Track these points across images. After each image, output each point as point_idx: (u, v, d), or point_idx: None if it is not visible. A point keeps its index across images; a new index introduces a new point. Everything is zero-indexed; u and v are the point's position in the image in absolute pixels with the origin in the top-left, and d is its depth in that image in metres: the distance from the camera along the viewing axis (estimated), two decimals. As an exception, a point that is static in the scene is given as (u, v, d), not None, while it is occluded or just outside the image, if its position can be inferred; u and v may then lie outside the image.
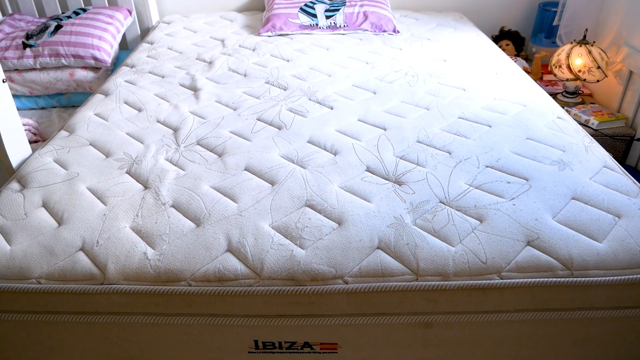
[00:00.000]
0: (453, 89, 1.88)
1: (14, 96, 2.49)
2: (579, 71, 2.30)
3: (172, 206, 1.26)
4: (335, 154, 1.46)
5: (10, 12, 2.73)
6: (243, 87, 1.91)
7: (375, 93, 1.86)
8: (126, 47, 2.80)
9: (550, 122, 1.64)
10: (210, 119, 1.67)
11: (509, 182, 1.31)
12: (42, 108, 2.54)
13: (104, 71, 2.46)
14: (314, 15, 2.49)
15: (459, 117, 1.66)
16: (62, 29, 2.44)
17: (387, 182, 1.33)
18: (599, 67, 2.27)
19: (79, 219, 1.21)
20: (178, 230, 1.17)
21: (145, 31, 2.82)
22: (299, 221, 1.18)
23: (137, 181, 1.36)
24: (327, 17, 2.49)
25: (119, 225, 1.19)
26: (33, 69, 2.44)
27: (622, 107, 2.33)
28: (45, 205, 1.28)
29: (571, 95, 2.43)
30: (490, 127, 1.60)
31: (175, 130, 1.62)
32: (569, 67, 2.32)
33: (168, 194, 1.30)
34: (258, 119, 1.67)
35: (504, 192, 1.27)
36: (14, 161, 1.51)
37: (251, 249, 1.11)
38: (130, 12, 2.68)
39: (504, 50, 2.76)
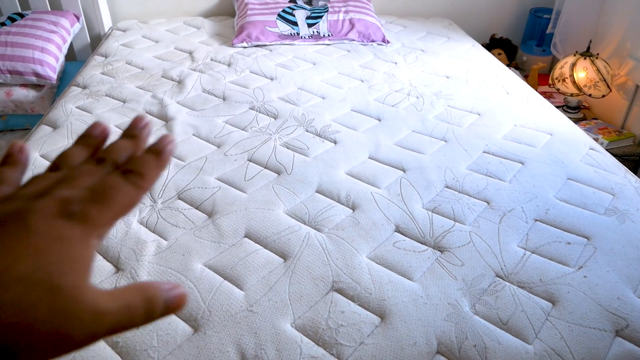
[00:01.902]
0: (466, 113, 1.65)
1: (-64, 120, 2.07)
2: (584, 85, 2.13)
3: (158, 298, 0.96)
4: (353, 209, 1.19)
5: None
6: (224, 114, 1.61)
7: (379, 120, 1.61)
8: (74, 57, 2.41)
9: (585, 156, 1.44)
10: (191, 161, 1.36)
11: (569, 243, 1.09)
12: (-28, 133, 2.13)
13: (49, 89, 2.08)
14: (294, 23, 2.20)
15: (484, 152, 1.44)
16: (-6, 39, 2.03)
17: (426, 247, 1.08)
18: (604, 80, 2.11)
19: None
20: (169, 339, 0.88)
21: (96, 39, 2.44)
22: (330, 317, 0.91)
23: (104, 259, 1.05)
24: (309, 25, 2.20)
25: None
26: (-41, 88, 2.03)
27: (626, 124, 2.18)
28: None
29: (573, 110, 2.27)
30: (523, 164, 1.38)
31: (148, 178, 1.30)
32: (573, 81, 2.15)
33: (149, 279, 0.99)
34: (250, 160, 1.37)
35: (568, 258, 1.05)
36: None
37: (275, 367, 0.83)
38: (77, 18, 2.29)
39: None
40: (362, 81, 1.87)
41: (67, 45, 2.18)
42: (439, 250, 1.07)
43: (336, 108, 1.66)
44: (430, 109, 1.67)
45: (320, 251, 1.06)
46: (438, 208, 1.20)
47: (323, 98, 1.73)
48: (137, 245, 1.08)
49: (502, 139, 1.50)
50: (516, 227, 1.14)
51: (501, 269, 1.02)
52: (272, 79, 1.85)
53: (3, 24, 2.10)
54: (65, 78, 2.17)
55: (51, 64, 2.04)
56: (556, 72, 2.20)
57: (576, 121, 2.21)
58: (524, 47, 2.72)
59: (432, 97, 1.75)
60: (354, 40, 2.20)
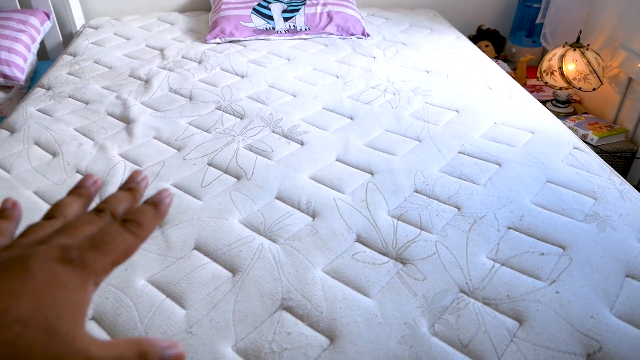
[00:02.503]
0: (444, 110, 1.57)
1: None
2: (574, 78, 2.04)
3: (93, 318, 0.89)
4: (313, 216, 1.12)
5: None
6: (188, 115, 1.53)
7: (352, 119, 1.53)
8: (46, 57, 2.34)
9: (567, 156, 1.35)
10: (147, 166, 1.29)
11: (543, 254, 1.02)
12: (-60, 136, 2.06)
13: (17, 90, 2.01)
14: (270, 17, 2.11)
15: (459, 152, 1.36)
16: (-42, 39, 1.96)
17: (387, 259, 1.01)
18: (594, 73, 2.02)
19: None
20: (99, 366, 0.81)
21: (68, 37, 2.36)
22: (275, 339, 0.84)
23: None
24: (286, 19, 2.12)
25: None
26: None
27: (619, 118, 2.09)
28: None
29: (562, 105, 2.18)
30: (500, 165, 1.30)
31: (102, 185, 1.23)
32: (562, 74, 2.06)
33: (86, 298, 0.92)
34: (209, 164, 1.30)
35: (540, 271, 0.98)
36: None
37: (208, 398, 0.76)
38: (48, 16, 2.21)
39: (483, 52, 2.48)
40: (338, 77, 1.79)
41: (36, 44, 2.10)
42: (401, 263, 1.00)
43: (307, 107, 1.58)
44: (406, 106, 1.59)
45: (272, 264, 0.98)
46: (404, 215, 1.12)
47: (294, 96, 1.65)
48: (78, 260, 1.00)
49: (480, 138, 1.42)
50: (487, 235, 1.06)
51: (466, 283, 0.95)
52: (242, 77, 1.78)
53: (-32, 23, 2.03)
54: (37, 78, 2.09)
55: (19, 64, 1.97)
56: (544, 65, 2.11)
57: (566, 116, 2.12)
58: (512, 39, 2.63)
59: (409, 93, 1.67)
60: (332, 34, 2.12)
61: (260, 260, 0.99)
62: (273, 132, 1.44)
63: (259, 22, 2.10)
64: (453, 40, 2.17)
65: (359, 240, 1.06)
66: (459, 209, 1.14)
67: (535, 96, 2.26)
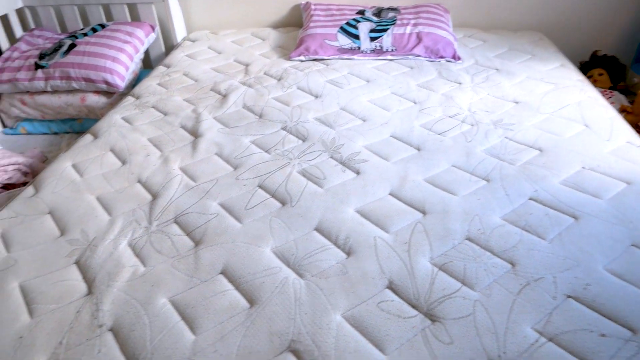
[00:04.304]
0: (524, 148, 1.41)
1: (27, 120, 2.28)
2: (700, 119, 1.74)
3: (111, 329, 0.91)
4: (348, 254, 1.06)
5: (33, 26, 2.51)
6: (253, 133, 1.54)
7: (419, 150, 1.43)
8: (150, 66, 2.52)
9: (665, 214, 1.14)
10: (201, 183, 1.31)
11: (604, 335, 0.85)
12: (55, 133, 2.31)
13: (118, 96, 2.18)
14: (356, 37, 2.07)
15: (529, 198, 1.21)
16: (76, 48, 2.18)
17: (416, 313, 0.91)
18: None
19: (-20, 347, 0.89)
20: (99, 383, 0.82)
21: (171, 48, 2.53)
22: (271, 386, 0.79)
23: (83, 279, 1.04)
24: (372, 39, 2.07)
25: (32, 358, 0.86)
26: (44, 92, 2.20)
27: None
28: (-47, 315, 0.97)
29: (685, 147, 1.86)
30: (576, 219, 1.13)
31: (155, 196, 1.27)
32: (685, 113, 1.77)
33: (111, 308, 0.95)
34: (259, 186, 1.29)
35: (596, 355, 0.82)
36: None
37: None
38: (153, 28, 2.38)
39: (595, 81, 2.22)
40: (415, 103, 1.70)
41: (140, 54, 2.27)
42: (430, 319, 0.90)
43: (374, 133, 1.51)
44: (482, 140, 1.45)
45: (290, 302, 0.94)
46: (447, 265, 1.01)
47: (364, 120, 1.59)
48: (115, 269, 1.04)
49: (559, 184, 1.25)
50: (538, 302, 0.92)
51: (499, 356, 0.82)
52: (316, 97, 1.75)
53: (85, 35, 2.24)
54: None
55: (121, 72, 2.13)
56: (664, 102, 1.82)
57: (688, 161, 1.82)
58: (636, 67, 2.32)
59: (489, 126, 1.53)
60: (419, 56, 2.02)
61: (281, 294, 0.95)
62: (331, 157, 1.40)
63: (344, 41, 2.07)
64: (556, 67, 1.96)
65: (390, 287, 0.97)
66: (513, 265, 1.01)
67: (652, 136, 1.97)
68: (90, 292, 1.00)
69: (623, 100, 2.17)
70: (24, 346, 0.90)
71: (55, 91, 2.20)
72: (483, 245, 1.06)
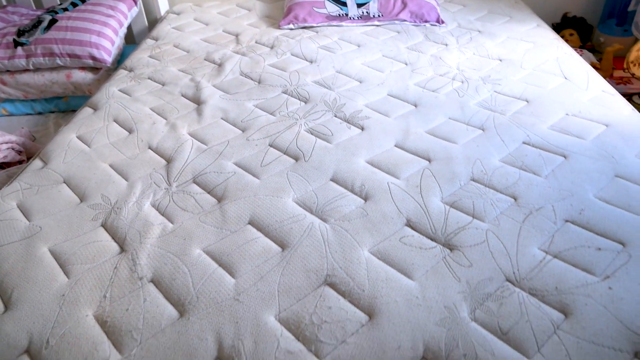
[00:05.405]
0: (513, 100, 1.52)
1: (7, 100, 2.25)
2: (665, 69, 1.89)
3: (152, 281, 0.97)
4: (365, 199, 1.14)
5: (5, 3, 2.46)
6: (256, 98, 1.59)
7: (415, 106, 1.52)
8: (133, 41, 2.51)
9: (644, 150, 1.27)
10: (213, 145, 1.36)
11: (600, 249, 0.97)
12: (39, 113, 2.29)
13: (105, 72, 2.18)
14: (343, 4, 2.13)
15: (523, 142, 1.31)
16: (57, 24, 2.16)
17: (435, 244, 1.00)
18: (690, 65, 1.85)
19: (30, 302, 0.93)
20: (155, 322, 0.88)
21: (153, 22, 2.52)
22: (316, 312, 0.87)
23: (113, 239, 1.08)
24: (359, 6, 2.12)
25: (79, 313, 0.91)
26: (26, 70, 2.17)
27: None
28: (-7, 276, 1.01)
29: (652, 97, 2.02)
30: (565, 157, 1.24)
31: (169, 161, 1.32)
32: (652, 64, 1.90)
33: (148, 262, 1.00)
34: (270, 145, 1.35)
35: (594, 265, 0.93)
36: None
37: (249, 359, 0.81)
38: (135, 2, 2.37)
39: (567, 41, 2.35)
40: (406, 64, 1.78)
41: (123, 29, 2.26)
42: (449, 248, 0.99)
43: (372, 93, 1.59)
44: (473, 95, 1.55)
45: (320, 242, 1.01)
46: (457, 202, 1.11)
47: (360, 82, 1.66)
48: (143, 227, 1.09)
49: (548, 129, 1.36)
50: (541, 227, 1.02)
51: (513, 273, 0.92)
52: (311, 62, 1.81)
53: (65, 9, 2.22)
54: (123, 61, 2.25)
55: (107, 47, 2.13)
56: (632, 55, 1.96)
57: (654, 110, 1.97)
58: (602, 27, 2.46)
59: (478, 82, 1.63)
60: (405, 20, 2.10)
61: (309, 237, 1.03)
62: (335, 116, 1.47)
63: (332, 8, 2.12)
64: (533, 28, 2.07)
65: (409, 224, 1.06)
66: (515, 199, 1.11)
67: (621, 89, 2.12)
68: (123, 250, 1.05)
69: (592, 57, 2.31)
70: (69, 302, 0.94)
71: (37, 69, 2.17)
72: (487, 184, 1.16)
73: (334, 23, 2.11)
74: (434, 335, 0.82)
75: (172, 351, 0.83)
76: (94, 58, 2.10)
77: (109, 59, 2.12)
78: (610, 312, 0.84)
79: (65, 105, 2.24)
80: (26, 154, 1.91)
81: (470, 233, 1.02)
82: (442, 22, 2.09)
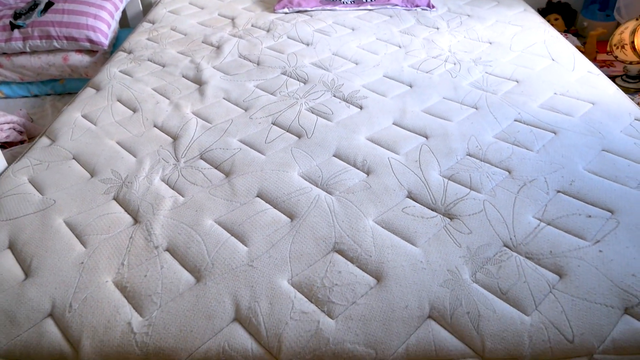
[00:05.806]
0: (503, 80, 1.58)
1: (4, 83, 2.25)
2: (647, 53, 1.96)
3: (167, 250, 1.01)
4: (368, 173, 1.19)
5: (-2, -14, 2.44)
6: (255, 79, 1.63)
7: (411, 86, 1.57)
8: (127, 24, 2.52)
9: (627, 126, 1.34)
10: (217, 123, 1.40)
11: (590, 216, 1.04)
12: (35, 96, 2.30)
13: (101, 54, 2.19)
14: (337, -12, 2.16)
15: (515, 120, 1.37)
16: (54, 6, 2.16)
17: (435, 214, 1.06)
18: (671, 48, 1.93)
19: (50, 269, 0.97)
20: (173, 287, 0.93)
21: (147, 6, 2.53)
22: (327, 276, 0.93)
23: (125, 211, 1.12)
24: (352, -10, 2.16)
25: (99, 279, 0.95)
26: (23, 53, 2.18)
27: (695, 95, 1.99)
28: (12, 247, 1.04)
29: (633, 80, 2.10)
30: (555, 133, 1.31)
31: (175, 138, 1.36)
32: (633, 48, 1.98)
33: (162, 232, 1.05)
34: (273, 123, 1.39)
35: (585, 231, 1.00)
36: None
37: (265, 319, 0.86)
38: (129, -14, 2.38)
39: (552, 25, 2.41)
40: (400, 47, 1.83)
41: (119, 12, 2.27)
42: (449, 218, 1.05)
43: (368, 74, 1.64)
44: (465, 76, 1.61)
45: (327, 213, 1.07)
46: (455, 176, 1.17)
47: (356, 64, 1.71)
48: (155, 200, 1.13)
49: (538, 108, 1.43)
50: (535, 197, 1.09)
51: (510, 239, 0.99)
52: (308, 45, 1.85)
53: (61, -8, 2.22)
54: (118, 44, 2.27)
55: (103, 30, 2.14)
56: (615, 39, 2.04)
57: (636, 91, 2.05)
58: (585, 12, 2.54)
59: (470, 63, 1.69)
60: (397, 5, 2.14)
61: (317, 208, 1.08)
62: (334, 96, 1.51)
63: (325, -8, 2.16)
64: (520, 12, 2.13)
65: (410, 196, 1.12)
66: (509, 172, 1.17)
67: (605, 71, 2.20)
68: (136, 221, 1.09)
69: (576, 41, 2.38)
70: (88, 269, 0.98)
71: (34, 51, 2.18)
72: (482, 159, 1.22)
73: (328, 7, 2.15)
74: (439, 295, 0.89)
75: (192, 313, 0.88)
76: (90, 41, 2.11)
77: (105, 41, 2.13)
78: (601, 273, 0.91)
79: (62, 87, 2.25)
80: (27, 134, 1.93)
81: (469, 203, 1.08)
82: (433, 6, 2.15)
